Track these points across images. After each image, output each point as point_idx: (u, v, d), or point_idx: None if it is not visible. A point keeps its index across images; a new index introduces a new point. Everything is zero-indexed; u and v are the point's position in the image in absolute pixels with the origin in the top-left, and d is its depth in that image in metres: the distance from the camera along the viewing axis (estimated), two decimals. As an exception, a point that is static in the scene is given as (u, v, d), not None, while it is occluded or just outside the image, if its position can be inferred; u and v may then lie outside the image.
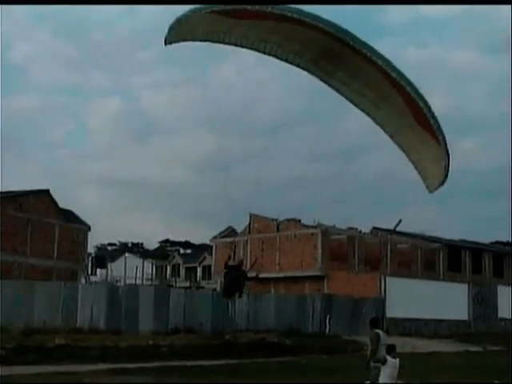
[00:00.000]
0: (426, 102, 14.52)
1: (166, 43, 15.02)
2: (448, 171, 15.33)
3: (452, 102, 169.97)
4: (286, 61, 15.60)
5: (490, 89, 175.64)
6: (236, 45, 15.59)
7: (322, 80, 15.74)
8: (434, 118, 14.69)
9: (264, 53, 15.55)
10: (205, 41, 15.57)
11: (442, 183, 15.90)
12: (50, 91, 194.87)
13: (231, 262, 27.40)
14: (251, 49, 15.57)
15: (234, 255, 37.48)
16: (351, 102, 15.96)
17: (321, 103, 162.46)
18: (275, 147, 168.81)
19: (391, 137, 15.97)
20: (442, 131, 14.81)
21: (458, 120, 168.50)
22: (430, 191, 16.34)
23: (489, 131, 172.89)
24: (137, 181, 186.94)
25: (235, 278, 25.09)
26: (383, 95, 15.29)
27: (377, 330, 19.74)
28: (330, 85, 15.73)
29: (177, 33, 14.91)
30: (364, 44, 14.28)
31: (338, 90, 15.74)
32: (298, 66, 15.62)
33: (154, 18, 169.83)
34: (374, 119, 15.92)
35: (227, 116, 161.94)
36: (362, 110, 15.94)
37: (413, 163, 16.15)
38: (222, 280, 27.16)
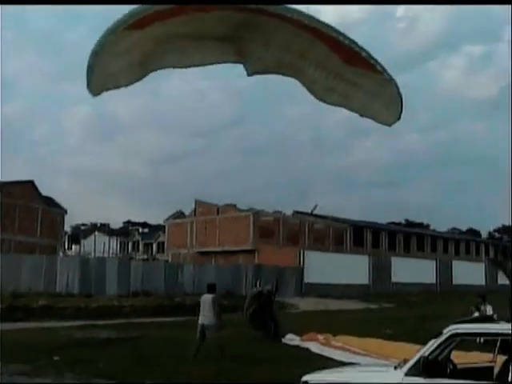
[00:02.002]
0: (351, 40, 11.03)
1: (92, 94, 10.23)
2: (400, 94, 11.78)
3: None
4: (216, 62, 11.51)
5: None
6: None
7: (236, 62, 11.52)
8: (364, 50, 11.19)
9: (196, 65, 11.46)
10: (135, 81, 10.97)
11: (401, 108, 12.02)
12: (32, 99, 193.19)
13: (257, 289, 26.02)
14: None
15: (260, 280, 34.79)
16: (276, 73, 11.88)
17: (249, 108, 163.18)
18: (213, 145, 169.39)
19: (326, 89, 12.04)
20: (376, 60, 11.34)
21: (358, 125, 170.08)
22: (393, 122, 12.22)
23: (382, 135, 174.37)
24: (103, 172, 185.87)
25: (258, 310, 23.84)
26: (305, 50, 11.52)
27: (205, 295, 19.17)
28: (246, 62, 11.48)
29: (97, 80, 10.22)
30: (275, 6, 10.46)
31: (257, 69, 11.58)
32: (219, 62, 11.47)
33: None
34: (304, 78, 11.95)
35: (174, 119, 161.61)
36: (290, 75, 11.94)
37: (359, 104, 12.28)
38: (246, 306, 24.87)
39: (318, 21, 10.64)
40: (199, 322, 18.31)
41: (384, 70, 11.31)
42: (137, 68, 10.88)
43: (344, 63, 11.33)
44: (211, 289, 18.96)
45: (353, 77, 11.62)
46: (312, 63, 11.57)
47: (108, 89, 10.71)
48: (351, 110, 12.31)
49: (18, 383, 15.89)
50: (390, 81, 11.47)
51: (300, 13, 10.42)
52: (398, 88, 11.66)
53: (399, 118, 12.08)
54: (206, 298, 18.52)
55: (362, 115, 12.41)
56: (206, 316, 18.22)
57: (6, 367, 17.33)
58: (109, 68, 10.36)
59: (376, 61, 11.16)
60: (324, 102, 12.20)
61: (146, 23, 9.85)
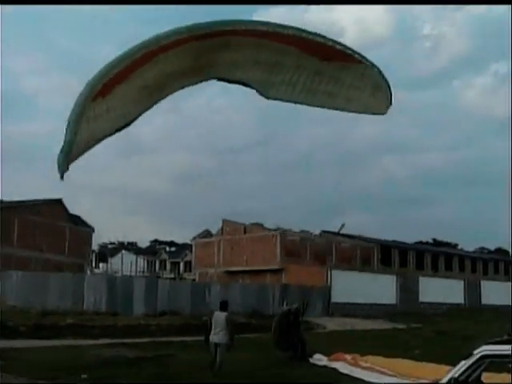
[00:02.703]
0: (323, 37, 10.75)
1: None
2: (385, 78, 11.54)
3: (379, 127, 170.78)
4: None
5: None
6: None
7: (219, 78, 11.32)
8: (338, 43, 11.01)
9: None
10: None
11: (390, 92, 11.82)
12: (58, 118, 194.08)
13: (286, 307, 25.50)
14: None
15: (286, 299, 34.15)
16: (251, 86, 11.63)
17: (274, 126, 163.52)
18: (240, 163, 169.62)
19: (308, 91, 11.60)
20: (352, 50, 11.03)
21: (385, 143, 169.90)
22: (385, 109, 12.02)
23: (409, 153, 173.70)
24: (130, 191, 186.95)
25: (286, 329, 23.42)
26: (276, 59, 11.14)
27: (217, 312, 18.98)
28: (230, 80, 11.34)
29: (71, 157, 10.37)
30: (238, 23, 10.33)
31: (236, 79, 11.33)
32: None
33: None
34: (279, 88, 11.57)
35: (199, 138, 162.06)
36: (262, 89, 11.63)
37: (344, 99, 11.92)
38: (274, 325, 24.25)
39: (285, 27, 10.50)
40: (211, 340, 18.19)
41: (363, 57, 11.20)
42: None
43: (321, 61, 11.14)
44: (224, 306, 18.87)
45: (333, 72, 11.42)
46: (289, 69, 11.30)
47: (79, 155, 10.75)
48: (337, 108, 12.20)
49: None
50: (372, 67, 11.32)
51: (264, 24, 10.36)
52: (381, 73, 11.48)
53: (391, 103, 11.89)
54: (219, 316, 18.41)
55: (350, 111, 12.34)
56: (218, 334, 18.13)
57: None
58: (83, 137, 10.19)
59: (353, 51, 11.03)
60: (307, 104, 11.95)
61: (109, 88, 9.71)
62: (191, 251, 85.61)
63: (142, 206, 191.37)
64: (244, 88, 11.50)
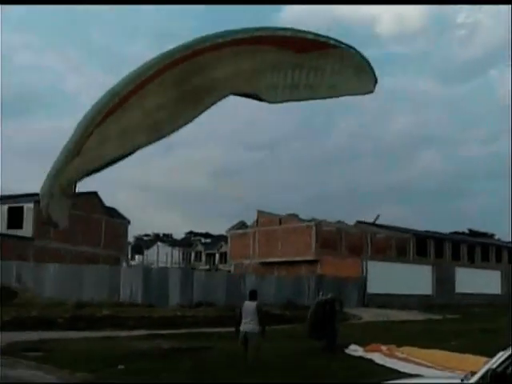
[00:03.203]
0: (294, 30, 10.60)
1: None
2: (365, 58, 11.33)
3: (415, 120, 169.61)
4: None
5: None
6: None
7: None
8: (309, 32, 10.76)
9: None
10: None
11: (373, 72, 11.57)
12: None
13: (321, 297, 25.36)
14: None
15: (323, 291, 33.80)
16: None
17: (310, 119, 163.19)
18: (275, 156, 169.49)
19: (290, 87, 11.25)
20: (326, 36, 10.80)
21: (421, 136, 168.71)
22: (372, 88, 11.72)
23: (446, 146, 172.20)
24: (165, 184, 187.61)
25: (322, 319, 23.11)
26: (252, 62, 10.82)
27: (247, 302, 18.93)
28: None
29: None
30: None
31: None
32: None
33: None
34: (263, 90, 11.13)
35: (233, 131, 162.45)
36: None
37: (327, 88, 11.55)
38: (309, 315, 23.94)
39: (255, 29, 10.37)
40: (241, 329, 18.18)
41: (339, 42, 11.05)
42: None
43: (297, 53, 10.90)
44: (253, 296, 18.81)
45: (311, 62, 11.17)
46: (266, 69, 11.00)
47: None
48: (323, 97, 11.96)
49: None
50: (349, 50, 11.17)
51: (232, 32, 10.17)
52: (360, 54, 11.33)
53: (376, 82, 11.73)
54: (249, 305, 18.35)
55: (337, 97, 12.03)
56: (248, 323, 18.10)
57: (71, 376, 17.58)
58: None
59: (327, 37, 10.90)
60: (292, 100, 11.58)
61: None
62: (226, 243, 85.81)
63: (177, 199, 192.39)
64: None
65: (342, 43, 11.07)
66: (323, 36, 10.88)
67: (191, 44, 9.87)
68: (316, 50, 10.97)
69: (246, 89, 11.04)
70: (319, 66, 11.23)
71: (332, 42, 10.95)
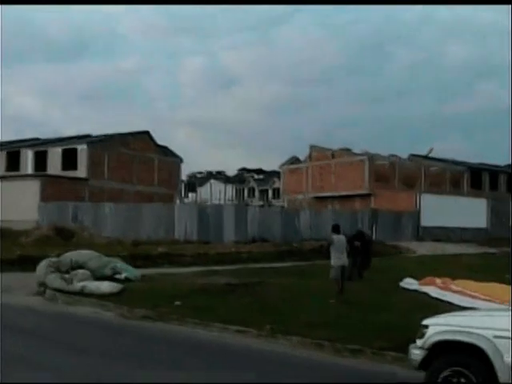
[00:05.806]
0: None
1: None
2: None
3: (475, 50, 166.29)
4: None
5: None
6: None
7: None
8: None
9: None
10: None
11: None
12: (148, 55, 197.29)
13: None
14: None
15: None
16: None
17: (366, 55, 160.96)
18: (330, 92, 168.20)
19: None
20: None
21: (481, 66, 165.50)
22: None
23: (504, 78, 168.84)
24: (218, 122, 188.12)
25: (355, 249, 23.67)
26: None
27: (335, 236, 19.16)
28: None
29: None
30: None
31: None
32: None
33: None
34: None
35: (288, 68, 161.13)
36: None
37: None
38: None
39: None
40: (338, 263, 18.41)
41: None
42: None
43: None
44: (337, 229, 19.06)
45: None
46: None
47: None
48: None
49: (143, 327, 16.56)
50: None
51: None
52: None
53: None
54: (341, 239, 18.59)
55: None
56: (343, 258, 18.42)
57: (131, 312, 18.06)
58: None
59: None
60: None
61: None
62: (279, 178, 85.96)
63: (229, 136, 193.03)
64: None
65: None
66: None
67: None
68: None
69: None
70: None
71: None
